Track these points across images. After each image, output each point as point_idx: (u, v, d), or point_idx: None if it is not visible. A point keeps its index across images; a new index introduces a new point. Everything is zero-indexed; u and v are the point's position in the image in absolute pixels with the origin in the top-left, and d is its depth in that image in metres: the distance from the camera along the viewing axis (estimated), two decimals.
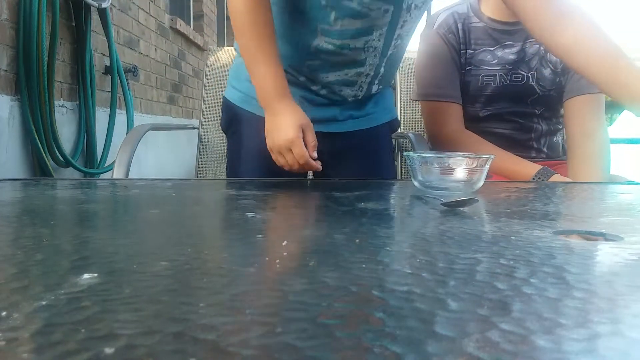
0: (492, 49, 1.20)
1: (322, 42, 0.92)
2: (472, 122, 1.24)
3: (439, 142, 1.23)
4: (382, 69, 0.99)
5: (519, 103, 1.22)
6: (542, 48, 1.20)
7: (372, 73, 0.98)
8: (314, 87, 1.00)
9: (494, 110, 1.23)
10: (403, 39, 0.97)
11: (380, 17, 0.89)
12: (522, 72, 1.20)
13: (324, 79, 0.98)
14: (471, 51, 1.21)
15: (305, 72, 0.98)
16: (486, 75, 1.20)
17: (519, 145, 1.24)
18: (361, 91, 1.01)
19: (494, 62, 1.20)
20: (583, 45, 0.87)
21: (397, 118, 1.22)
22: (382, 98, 1.13)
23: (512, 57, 1.19)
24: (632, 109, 0.84)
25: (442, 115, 1.21)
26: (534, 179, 1.07)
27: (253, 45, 0.86)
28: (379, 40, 0.93)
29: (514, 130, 1.24)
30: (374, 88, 1.03)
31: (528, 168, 1.10)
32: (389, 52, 0.96)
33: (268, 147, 0.87)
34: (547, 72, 1.21)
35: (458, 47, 1.21)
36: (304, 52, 0.92)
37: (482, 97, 1.22)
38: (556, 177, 1.06)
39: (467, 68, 1.21)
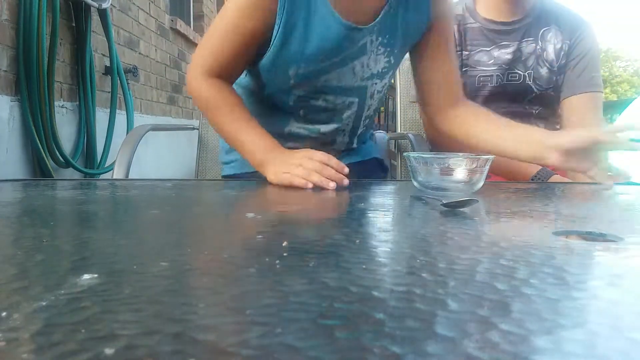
0: (488, 49, 1.20)
1: (294, 128, 0.99)
2: None
3: (438, 143, 1.23)
4: (359, 128, 1.04)
5: (516, 103, 1.22)
6: (538, 47, 1.20)
7: (347, 138, 1.04)
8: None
9: (492, 110, 1.23)
10: (375, 105, 1.02)
11: (346, 109, 0.97)
12: (519, 72, 1.20)
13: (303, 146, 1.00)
14: (467, 52, 1.21)
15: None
16: (483, 76, 1.21)
17: None
18: (343, 144, 1.05)
19: (490, 62, 1.20)
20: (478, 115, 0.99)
21: (383, 161, 1.24)
22: (369, 139, 1.17)
23: (508, 56, 1.20)
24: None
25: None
26: (533, 179, 1.07)
27: (229, 119, 0.88)
28: (349, 124, 1.00)
29: None
30: (355, 140, 1.07)
31: (527, 168, 1.10)
32: (362, 121, 1.02)
33: (280, 178, 0.79)
34: (543, 71, 1.21)
35: (455, 47, 1.21)
36: (278, 135, 0.92)
37: (480, 97, 1.22)
38: (556, 178, 1.06)
39: (464, 69, 1.22)
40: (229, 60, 0.91)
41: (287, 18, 0.85)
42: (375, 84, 0.97)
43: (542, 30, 1.21)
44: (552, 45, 1.21)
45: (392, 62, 0.96)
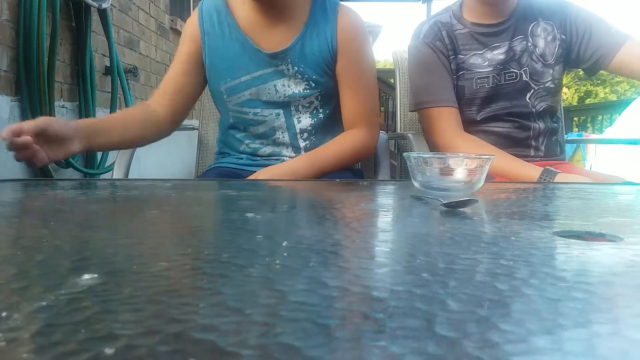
0: (480, 52, 1.22)
1: (246, 147, 1.17)
2: (471, 125, 1.24)
3: (440, 149, 1.23)
4: (300, 140, 1.16)
5: (516, 100, 1.23)
6: (529, 44, 1.22)
7: (292, 152, 1.17)
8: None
9: (492, 111, 1.24)
10: (311, 119, 1.14)
11: (275, 119, 1.13)
12: (515, 70, 1.21)
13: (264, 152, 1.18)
14: (461, 56, 1.23)
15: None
16: (479, 78, 1.22)
17: (518, 144, 1.25)
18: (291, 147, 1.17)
19: (485, 64, 1.21)
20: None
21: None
22: None
23: (501, 57, 1.21)
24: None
25: (440, 122, 1.21)
26: (539, 181, 1.07)
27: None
28: (284, 136, 1.15)
29: (513, 129, 1.25)
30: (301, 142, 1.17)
31: (532, 171, 1.10)
32: (301, 134, 1.15)
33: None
34: (538, 66, 1.22)
35: (447, 52, 1.23)
36: (239, 153, 1.18)
37: (478, 99, 1.23)
38: (560, 177, 1.06)
39: (460, 73, 1.23)
40: (175, 78, 1.13)
41: (209, 42, 1.09)
42: (299, 100, 1.11)
43: (530, 26, 1.22)
44: (542, 39, 1.22)
45: (313, 85, 1.09)
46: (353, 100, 1.13)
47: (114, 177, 1.19)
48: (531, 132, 1.26)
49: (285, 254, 0.33)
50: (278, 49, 1.07)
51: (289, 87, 1.09)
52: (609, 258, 0.34)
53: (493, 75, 1.21)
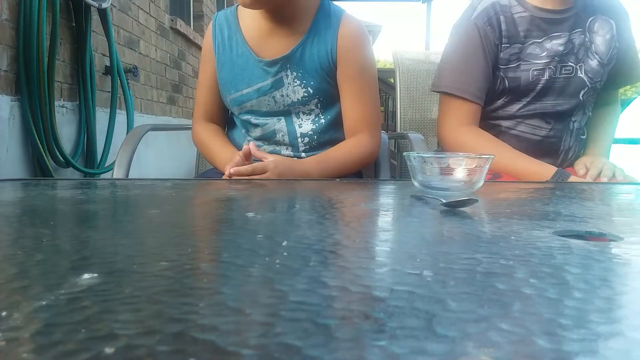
0: (540, 40, 1.13)
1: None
2: (503, 120, 1.19)
3: (445, 138, 1.19)
4: (300, 145, 1.19)
5: (568, 97, 1.17)
6: (586, 39, 1.15)
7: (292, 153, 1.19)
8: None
9: (540, 108, 1.17)
10: (312, 125, 1.16)
11: (277, 123, 1.16)
12: (571, 64, 1.15)
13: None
14: (520, 45, 1.13)
15: None
16: (536, 69, 1.14)
17: (548, 150, 1.20)
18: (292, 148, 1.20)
19: (543, 54, 1.13)
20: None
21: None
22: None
23: (560, 48, 1.13)
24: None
25: (455, 112, 1.16)
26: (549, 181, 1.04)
27: (210, 147, 1.17)
28: (285, 139, 1.18)
29: (548, 132, 1.19)
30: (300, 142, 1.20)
31: (542, 169, 1.06)
32: (302, 138, 1.17)
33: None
34: (594, 63, 1.16)
35: (496, 41, 1.13)
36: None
37: (534, 92, 1.16)
38: (573, 179, 1.04)
39: (517, 63, 1.14)
40: (209, 101, 1.21)
41: (219, 56, 1.15)
42: (299, 108, 1.14)
43: (589, 21, 1.15)
44: (600, 37, 1.16)
45: (311, 92, 1.12)
46: (354, 107, 1.14)
47: (114, 176, 1.19)
48: (564, 136, 1.21)
49: (285, 254, 0.33)
50: (278, 56, 1.10)
51: (287, 96, 1.12)
52: (609, 258, 0.34)
53: (550, 68, 1.14)
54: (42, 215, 0.50)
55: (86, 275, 0.28)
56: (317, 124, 1.16)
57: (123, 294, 0.25)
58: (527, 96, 1.17)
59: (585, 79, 1.16)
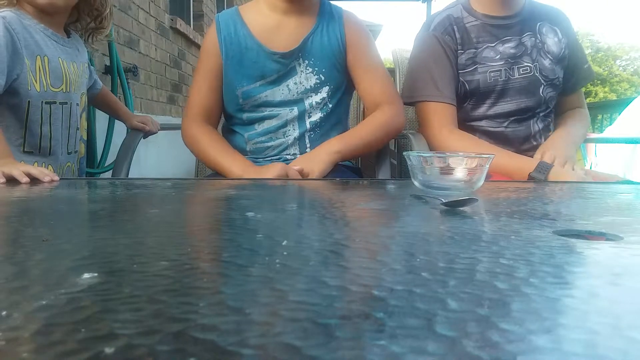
0: (492, 44, 1.23)
1: (250, 146, 1.20)
2: (478, 121, 1.25)
3: (432, 144, 1.24)
4: (307, 139, 1.20)
5: (530, 94, 1.24)
6: (537, 40, 1.24)
7: (298, 149, 1.20)
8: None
9: (504, 106, 1.24)
10: (320, 114, 1.19)
11: (289, 113, 1.18)
12: (527, 64, 1.23)
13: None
14: (474, 49, 1.23)
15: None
16: (493, 71, 1.22)
17: (522, 142, 1.26)
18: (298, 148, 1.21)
19: (497, 57, 1.22)
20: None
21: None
22: None
23: (512, 50, 1.22)
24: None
25: (435, 116, 1.22)
26: (532, 174, 1.07)
27: (212, 153, 1.13)
28: (295, 130, 1.19)
29: (517, 126, 1.26)
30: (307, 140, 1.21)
31: (526, 163, 1.10)
32: (309, 133, 1.19)
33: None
34: (546, 62, 1.25)
35: (455, 47, 1.23)
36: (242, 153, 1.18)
37: (494, 92, 1.23)
38: (556, 170, 1.07)
39: (474, 67, 1.23)
40: (208, 100, 1.19)
41: (226, 50, 1.15)
42: (311, 96, 1.17)
43: (537, 25, 1.25)
44: (550, 39, 1.26)
45: (323, 79, 1.16)
46: (373, 85, 1.18)
47: (114, 176, 1.19)
48: (532, 130, 1.27)
49: (285, 253, 0.33)
50: (290, 48, 1.14)
51: (300, 84, 1.16)
52: (609, 257, 0.34)
53: (505, 69, 1.22)
54: (42, 214, 0.50)
55: (86, 275, 0.28)
56: (324, 113, 1.19)
57: (123, 294, 0.25)
58: (490, 97, 1.25)
59: (540, 78, 1.25)
